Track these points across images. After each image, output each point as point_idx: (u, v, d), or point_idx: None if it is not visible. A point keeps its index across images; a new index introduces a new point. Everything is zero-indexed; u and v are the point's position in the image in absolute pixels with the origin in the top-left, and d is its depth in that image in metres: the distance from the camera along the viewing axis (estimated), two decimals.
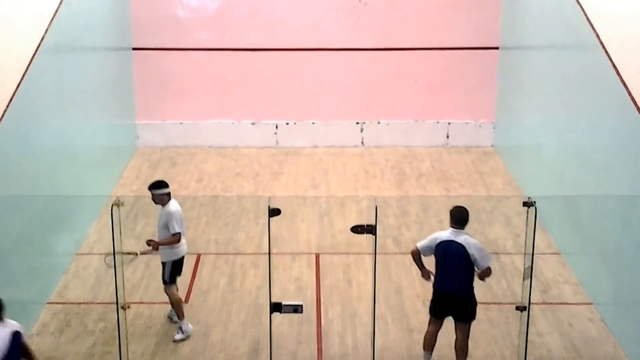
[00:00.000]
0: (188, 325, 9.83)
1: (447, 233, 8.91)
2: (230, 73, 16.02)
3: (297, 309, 8.68)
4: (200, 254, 11.69)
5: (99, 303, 10.48)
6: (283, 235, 12.16)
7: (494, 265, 11.27)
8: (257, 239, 12.26)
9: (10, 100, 9.59)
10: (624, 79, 9.79)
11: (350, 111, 16.22)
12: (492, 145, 16.19)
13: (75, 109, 12.31)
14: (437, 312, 9.01)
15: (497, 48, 15.74)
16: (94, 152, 13.23)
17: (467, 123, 16.24)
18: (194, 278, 11.10)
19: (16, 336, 7.53)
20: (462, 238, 8.82)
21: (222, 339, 9.78)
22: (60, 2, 11.55)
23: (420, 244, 9.03)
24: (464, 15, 15.79)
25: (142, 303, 10.40)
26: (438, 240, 8.90)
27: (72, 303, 10.50)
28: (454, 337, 9.06)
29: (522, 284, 9.06)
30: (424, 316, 9.52)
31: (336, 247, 12.05)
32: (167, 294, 9.83)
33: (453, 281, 8.83)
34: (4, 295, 9.31)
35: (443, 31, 15.86)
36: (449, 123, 16.23)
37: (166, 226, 9.61)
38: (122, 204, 8.64)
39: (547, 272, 11.21)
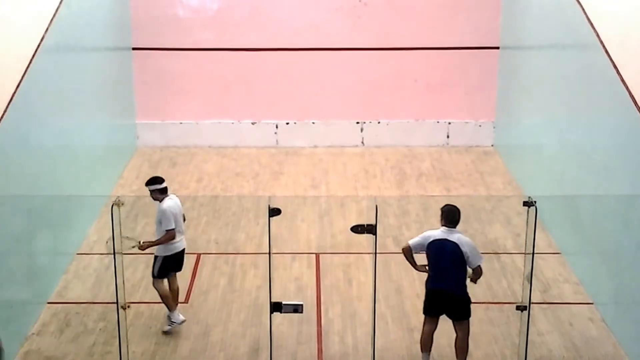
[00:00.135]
0: (179, 316, 9.87)
1: (439, 232, 8.92)
2: (230, 73, 16.02)
3: (297, 308, 8.68)
4: (200, 254, 11.69)
5: (99, 303, 10.48)
6: (283, 235, 12.16)
7: (494, 265, 11.35)
8: (257, 238, 12.25)
9: (10, 100, 9.59)
10: (624, 78, 9.79)
11: (351, 111, 16.22)
12: (492, 145, 16.19)
13: (75, 109, 12.30)
14: (431, 311, 9.01)
15: (497, 48, 15.74)
16: (94, 152, 13.23)
17: (467, 123, 16.24)
18: (194, 278, 11.10)
19: None
20: (455, 236, 8.84)
21: (222, 338, 9.77)
22: (60, 2, 11.54)
23: (412, 242, 9.04)
24: (464, 15, 15.79)
25: (142, 303, 10.39)
26: (430, 239, 8.91)
27: (72, 303, 10.50)
28: (454, 337, 9.07)
29: (523, 284, 9.06)
30: None
31: (336, 246, 12.04)
32: (155, 288, 9.85)
33: (446, 280, 8.84)
34: (4, 295, 9.34)
35: (443, 31, 15.86)
36: (449, 123, 16.23)
37: (160, 223, 9.66)
38: (122, 204, 8.65)
39: (548, 272, 11.21)
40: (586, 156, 11.02)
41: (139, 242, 9.73)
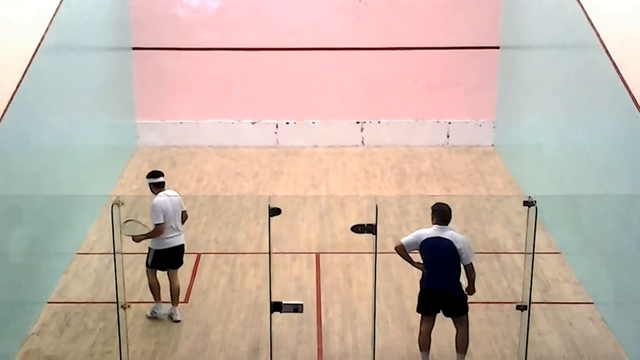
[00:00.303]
0: (161, 309, 10.05)
1: (431, 230, 8.93)
2: (230, 73, 16.02)
3: (297, 308, 8.68)
4: (200, 254, 11.69)
5: (99, 302, 10.48)
6: (283, 234, 12.16)
7: (494, 265, 11.35)
8: (257, 238, 12.25)
9: (11, 100, 9.58)
10: (625, 78, 9.79)
11: (351, 111, 16.22)
12: (492, 145, 16.19)
13: (75, 109, 12.30)
14: (427, 309, 9.01)
15: (497, 47, 15.74)
16: (94, 151, 13.23)
17: (467, 122, 16.24)
18: (194, 278, 11.10)
19: None
20: (448, 233, 8.86)
21: (222, 338, 9.77)
22: (61, 2, 11.54)
23: (404, 240, 9.05)
24: (464, 14, 15.78)
25: (142, 303, 10.39)
26: (423, 237, 8.91)
27: (72, 302, 10.50)
28: (453, 337, 9.09)
29: (523, 283, 9.06)
30: None
31: (336, 246, 12.04)
32: (147, 275, 10.10)
33: (440, 278, 8.85)
34: (4, 295, 9.34)
35: (443, 31, 15.86)
36: (449, 122, 16.23)
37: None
38: (122, 204, 8.65)
39: (548, 272, 11.21)
40: (586, 156, 11.02)
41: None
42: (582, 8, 11.26)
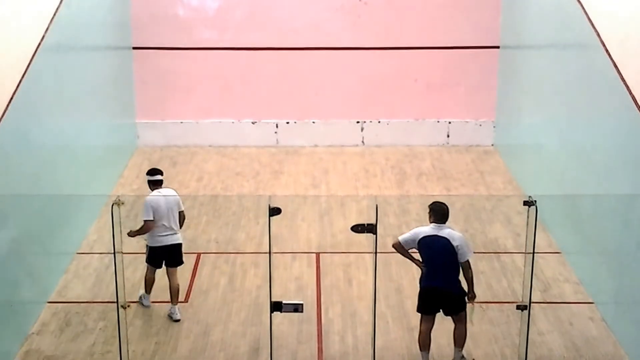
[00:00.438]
0: (146, 301, 10.28)
1: (428, 228, 8.96)
2: (230, 72, 16.02)
3: (297, 308, 8.68)
4: (200, 254, 11.69)
5: (99, 302, 10.48)
6: (283, 234, 12.16)
7: (494, 265, 11.35)
8: (257, 238, 12.25)
9: (11, 99, 9.58)
10: (625, 78, 9.79)
11: (351, 110, 16.22)
12: (492, 145, 16.19)
13: (75, 108, 12.30)
14: (427, 309, 9.03)
15: (497, 47, 15.74)
16: (94, 151, 13.23)
17: (467, 122, 16.24)
18: (194, 278, 11.10)
19: None
20: (446, 232, 8.88)
21: (223, 338, 9.77)
22: (61, 2, 11.54)
23: (402, 237, 9.08)
24: (464, 14, 15.78)
25: (143, 306, 10.38)
26: (421, 235, 8.94)
27: (72, 302, 10.50)
28: (453, 337, 9.11)
29: (523, 283, 9.06)
30: None
31: (336, 246, 12.04)
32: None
33: (439, 277, 8.88)
34: (4, 295, 9.34)
35: (443, 30, 15.86)
36: (450, 122, 16.23)
37: None
38: (122, 203, 8.65)
39: (548, 271, 11.21)
40: (586, 156, 11.02)
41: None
42: (582, 8, 11.26)
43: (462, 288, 8.96)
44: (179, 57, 15.91)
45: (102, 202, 12.68)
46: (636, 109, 9.37)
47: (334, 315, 10.24)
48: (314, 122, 16.25)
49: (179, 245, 10.10)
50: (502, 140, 15.76)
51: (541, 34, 13.39)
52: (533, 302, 9.15)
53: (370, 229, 8.65)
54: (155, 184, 10.09)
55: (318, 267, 11.42)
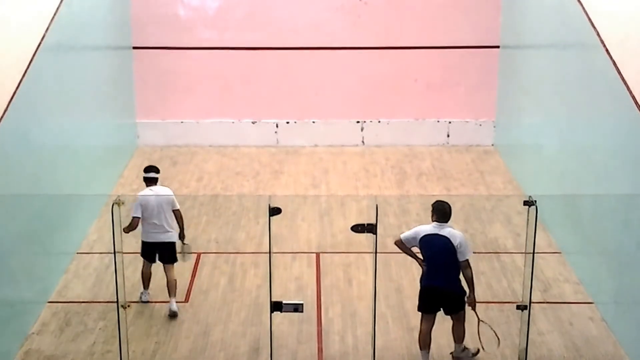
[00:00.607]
0: (146, 296, 10.35)
1: (430, 227, 8.98)
2: (230, 72, 16.02)
3: (297, 308, 8.69)
4: (200, 253, 11.69)
5: (99, 302, 10.48)
6: (283, 234, 12.16)
7: (494, 265, 11.35)
8: (257, 238, 12.25)
9: (11, 99, 9.58)
10: (625, 78, 9.79)
11: (351, 110, 16.22)
12: (492, 144, 16.19)
13: (75, 108, 12.30)
14: (428, 308, 9.06)
15: (497, 47, 15.73)
16: (95, 151, 13.23)
17: (467, 122, 16.24)
18: (194, 277, 11.10)
19: None
20: (447, 231, 8.91)
21: (223, 338, 9.77)
22: (61, 1, 11.54)
23: (403, 235, 9.13)
24: (464, 14, 15.78)
25: (142, 302, 10.39)
26: (422, 234, 8.97)
27: (72, 302, 10.50)
28: (454, 337, 9.12)
29: (523, 283, 9.06)
30: None
31: (336, 246, 12.04)
32: None
33: (440, 277, 8.91)
34: (4, 295, 9.34)
35: (443, 30, 15.86)
36: (450, 122, 16.23)
37: None
38: (122, 203, 8.66)
39: (548, 271, 11.21)
40: (586, 156, 11.02)
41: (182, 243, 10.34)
42: (582, 8, 11.26)
43: (463, 287, 8.98)
44: (179, 57, 15.92)
45: (102, 202, 12.68)
46: (636, 109, 9.37)
47: (334, 315, 10.24)
48: (314, 122, 16.26)
49: (170, 243, 10.16)
50: (502, 140, 15.76)
51: (541, 34, 13.39)
52: (533, 302, 9.15)
53: (370, 229, 8.66)
54: (149, 182, 10.22)
55: (318, 267, 11.42)
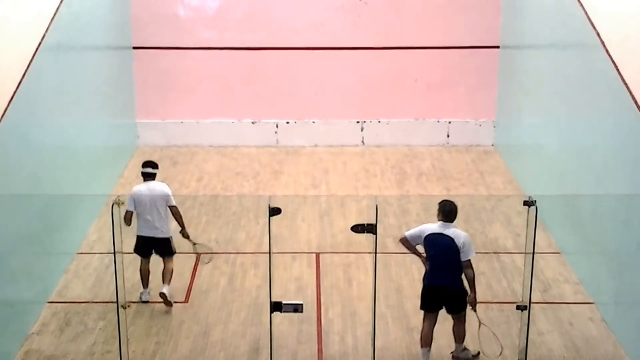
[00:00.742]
0: (147, 296, 10.34)
1: (435, 226, 9.00)
2: (230, 72, 16.02)
3: (297, 308, 8.69)
4: (200, 253, 11.68)
5: (99, 302, 10.48)
6: (283, 234, 12.16)
7: (494, 265, 11.35)
8: (257, 238, 12.25)
9: (11, 99, 9.58)
10: (625, 78, 9.79)
11: (351, 110, 16.22)
12: (492, 145, 16.19)
13: (75, 108, 12.30)
14: (430, 306, 9.08)
15: (497, 47, 15.73)
16: (95, 151, 13.23)
17: (467, 122, 16.24)
18: (194, 278, 11.10)
19: None
20: (451, 230, 8.93)
21: (223, 338, 9.77)
22: (61, 1, 11.54)
23: (408, 233, 9.18)
24: (465, 14, 15.78)
25: (142, 302, 10.39)
26: (426, 233, 9.00)
27: (72, 302, 10.50)
28: (454, 337, 9.13)
29: (523, 283, 9.06)
30: None
31: (336, 246, 12.04)
32: None
33: (442, 276, 8.94)
34: (4, 295, 9.34)
35: (443, 30, 15.86)
36: (450, 122, 16.23)
37: None
38: (122, 203, 8.68)
39: (548, 272, 11.21)
40: (586, 156, 11.02)
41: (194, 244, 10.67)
42: (582, 8, 11.26)
43: (465, 287, 8.98)
44: (179, 57, 15.92)
45: (102, 202, 12.68)
46: (636, 109, 9.37)
47: (334, 315, 10.24)
48: (314, 122, 16.25)
49: (164, 239, 10.23)
50: (502, 140, 15.76)
51: (541, 34, 13.39)
52: (533, 302, 9.15)
53: (370, 229, 8.66)
54: (146, 177, 10.27)
55: (318, 267, 11.42)
